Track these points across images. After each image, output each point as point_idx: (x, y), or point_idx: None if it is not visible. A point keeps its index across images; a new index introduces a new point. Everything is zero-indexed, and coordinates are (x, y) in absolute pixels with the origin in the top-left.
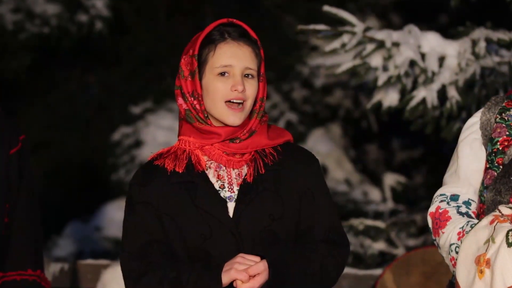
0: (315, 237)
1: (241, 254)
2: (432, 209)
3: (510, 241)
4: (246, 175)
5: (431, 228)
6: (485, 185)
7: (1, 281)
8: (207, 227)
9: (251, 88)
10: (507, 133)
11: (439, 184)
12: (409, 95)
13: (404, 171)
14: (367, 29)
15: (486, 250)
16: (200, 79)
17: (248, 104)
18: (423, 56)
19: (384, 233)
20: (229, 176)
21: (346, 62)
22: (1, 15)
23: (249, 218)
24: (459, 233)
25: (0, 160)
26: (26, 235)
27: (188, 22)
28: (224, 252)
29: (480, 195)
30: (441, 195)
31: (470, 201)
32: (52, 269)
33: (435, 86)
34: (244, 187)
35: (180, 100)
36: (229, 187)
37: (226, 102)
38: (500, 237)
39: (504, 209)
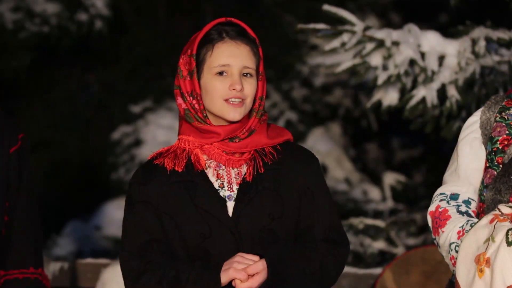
0: (315, 236)
1: (240, 254)
2: (432, 208)
3: (510, 240)
4: (245, 174)
5: (431, 227)
6: (485, 184)
7: (3, 280)
8: (207, 226)
9: (249, 87)
10: (507, 132)
11: (439, 183)
12: (409, 94)
13: (404, 170)
14: (367, 28)
15: (486, 249)
16: (199, 79)
17: (247, 102)
18: (423, 55)
19: (384, 232)
20: (228, 175)
21: (345, 61)
22: (1, 14)
23: (248, 217)
24: (459, 232)
25: (0, 159)
26: (27, 234)
27: (188, 21)
28: (224, 251)
29: (480, 194)
30: (441, 194)
31: (470, 200)
32: (52, 268)
33: (435, 85)
34: (244, 186)
35: (179, 100)
36: (229, 186)
37: (224, 100)
38: (500, 236)
39: (504, 208)
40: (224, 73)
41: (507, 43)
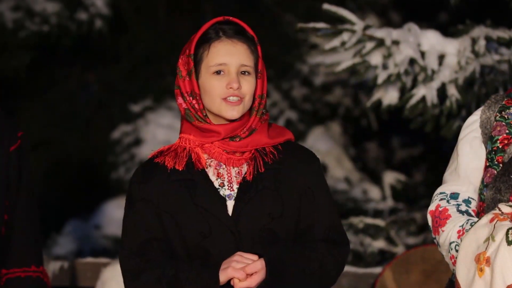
0: (315, 236)
1: (239, 253)
2: (432, 207)
3: (510, 239)
4: (246, 173)
5: (431, 226)
6: (485, 183)
7: (4, 278)
8: (207, 225)
9: (247, 85)
10: (507, 131)
11: (439, 182)
12: (408, 93)
13: (404, 169)
14: (366, 27)
15: (486, 248)
16: (197, 79)
17: (246, 100)
18: (422, 54)
19: (384, 231)
20: (229, 174)
21: (345, 60)
22: (1, 13)
23: (248, 216)
24: (459, 232)
25: (0, 158)
26: (27, 233)
27: (188, 21)
28: (223, 251)
29: (480, 193)
30: (441, 193)
31: (470, 199)
32: (52, 267)
33: (435, 84)
34: (244, 186)
35: (180, 100)
36: (229, 185)
37: (223, 99)
38: (500, 235)
39: (504, 207)
40: (222, 72)
41: (507, 42)
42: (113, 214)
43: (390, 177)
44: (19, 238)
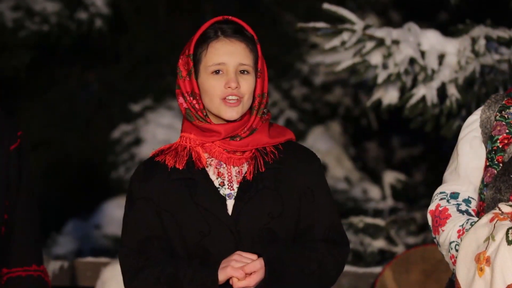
0: (314, 236)
1: (238, 252)
2: (432, 207)
3: (510, 239)
4: (246, 172)
5: (431, 226)
6: (485, 183)
7: (5, 278)
8: (206, 224)
9: (246, 84)
10: (507, 131)
11: (439, 182)
12: (408, 93)
13: (404, 169)
14: (366, 27)
15: (486, 248)
16: (197, 79)
17: (245, 100)
18: (422, 54)
19: (383, 231)
20: (229, 174)
21: (345, 60)
22: (1, 13)
23: (248, 216)
24: (459, 231)
25: (0, 157)
26: (28, 232)
27: (188, 20)
28: (223, 250)
29: (480, 193)
30: (441, 193)
31: (470, 199)
32: (52, 267)
33: (435, 84)
34: (244, 185)
35: (181, 100)
36: (229, 184)
37: (222, 99)
38: (500, 235)
39: (504, 207)
40: (220, 72)
41: (507, 41)
42: (113, 214)
43: (390, 177)
44: (20, 238)
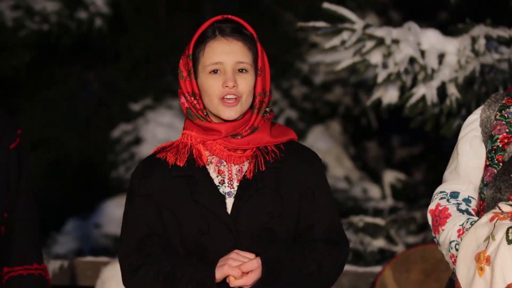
0: (314, 236)
1: (236, 251)
2: (432, 206)
3: (510, 238)
4: (246, 171)
5: (431, 226)
6: (485, 182)
7: (7, 276)
8: (205, 222)
9: (244, 83)
10: (507, 130)
11: (438, 181)
12: (408, 92)
13: (404, 168)
14: (366, 26)
15: (486, 248)
16: (196, 79)
17: (243, 99)
18: (422, 53)
19: (383, 230)
20: (229, 172)
21: (345, 59)
22: (1, 12)
23: (247, 214)
24: (459, 230)
25: (0, 156)
26: (29, 231)
27: (188, 20)
28: (221, 248)
29: (480, 192)
30: (441, 192)
31: (470, 198)
32: (52, 266)
33: (435, 83)
34: (244, 183)
35: (182, 99)
36: (229, 182)
37: (220, 99)
38: (500, 234)
39: (504, 207)
40: (218, 71)
41: (507, 41)
42: (113, 213)
43: (390, 176)
44: (21, 236)
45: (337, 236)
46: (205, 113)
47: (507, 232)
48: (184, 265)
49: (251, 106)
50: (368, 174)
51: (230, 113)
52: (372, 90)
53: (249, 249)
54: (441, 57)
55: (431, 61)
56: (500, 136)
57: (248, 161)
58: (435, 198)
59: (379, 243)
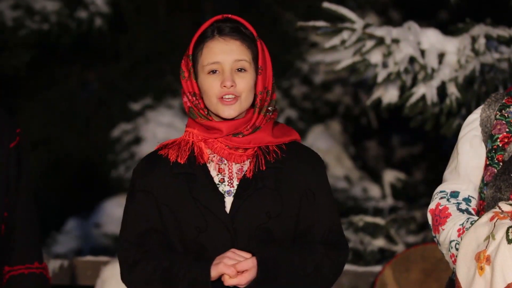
0: (314, 238)
1: (232, 250)
2: (432, 206)
3: (510, 237)
4: (246, 170)
5: (431, 225)
6: (485, 182)
7: (8, 275)
8: (203, 220)
9: (242, 82)
10: (507, 130)
11: (438, 180)
12: (408, 92)
13: (404, 167)
14: (366, 25)
15: (486, 247)
16: (196, 79)
17: (242, 97)
18: (422, 52)
19: (383, 230)
20: (230, 170)
21: (345, 58)
22: (1, 12)
23: (245, 214)
24: (459, 230)
25: (0, 155)
26: (29, 230)
27: (188, 19)
28: (219, 247)
29: (480, 192)
30: (441, 192)
31: (470, 198)
32: (52, 266)
33: (435, 82)
34: (243, 183)
35: (185, 98)
36: (229, 181)
37: (219, 98)
38: (500, 234)
39: (504, 206)
40: (217, 71)
41: (507, 40)
42: (113, 213)
43: (390, 176)
44: (21, 235)
45: (336, 238)
46: (206, 112)
47: (507, 232)
48: (181, 262)
49: (253, 105)
50: (368, 174)
51: (229, 111)
52: (372, 89)
53: (247, 249)
54: (441, 56)
55: (431, 61)
56: (500, 136)
57: (249, 160)
58: (435, 198)
59: (379, 242)
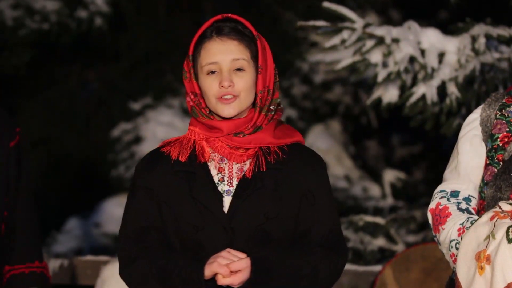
0: (312, 240)
1: (227, 249)
2: (432, 205)
3: (510, 237)
4: (246, 170)
5: (431, 225)
6: (485, 181)
7: (8, 275)
8: (201, 219)
9: (240, 82)
10: (507, 129)
11: (439, 180)
12: (408, 91)
13: (404, 167)
14: (366, 25)
15: (486, 246)
16: (196, 79)
17: (242, 97)
18: (422, 52)
19: (383, 229)
20: (230, 170)
21: (345, 58)
22: (1, 11)
23: (243, 214)
24: (459, 229)
25: (0, 154)
26: (29, 229)
27: (188, 19)
28: (216, 246)
29: (480, 191)
30: (441, 191)
31: (470, 197)
32: (52, 265)
33: (435, 82)
34: (243, 183)
35: (188, 98)
36: (229, 181)
37: (218, 98)
38: (500, 233)
39: (504, 205)
40: (216, 72)
41: (507, 40)
42: (113, 212)
43: (390, 175)
44: (21, 235)
45: (335, 240)
46: (208, 111)
47: (507, 231)
48: (177, 260)
49: (254, 105)
50: (368, 173)
51: (228, 110)
52: (372, 89)
53: (244, 249)
54: (441, 56)
55: (431, 60)
56: (500, 135)
57: (249, 160)
58: (435, 197)
59: (379, 242)
